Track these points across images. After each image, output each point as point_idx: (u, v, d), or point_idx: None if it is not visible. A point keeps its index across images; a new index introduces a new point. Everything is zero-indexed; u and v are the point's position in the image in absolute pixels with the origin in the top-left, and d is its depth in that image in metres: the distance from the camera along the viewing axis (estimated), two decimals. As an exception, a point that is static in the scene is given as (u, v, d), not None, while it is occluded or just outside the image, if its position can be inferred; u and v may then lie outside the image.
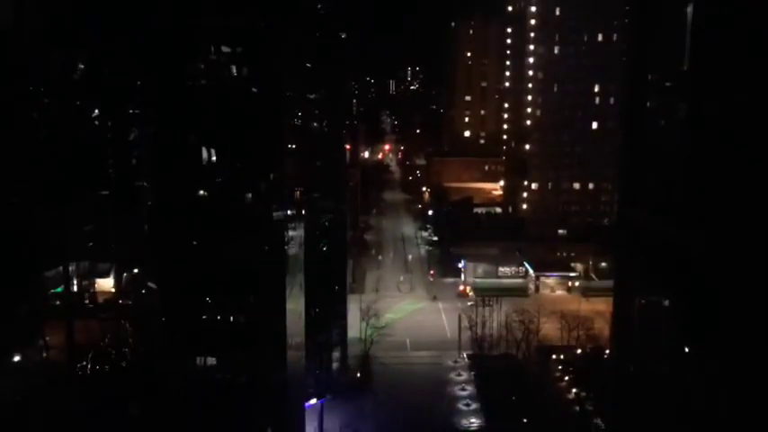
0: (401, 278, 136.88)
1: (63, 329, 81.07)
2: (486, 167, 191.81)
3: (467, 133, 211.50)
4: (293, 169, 73.73)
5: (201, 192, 63.40)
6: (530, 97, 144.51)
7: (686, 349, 50.23)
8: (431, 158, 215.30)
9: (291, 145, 74.10)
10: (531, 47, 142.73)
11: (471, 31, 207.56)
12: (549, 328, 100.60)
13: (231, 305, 63.69)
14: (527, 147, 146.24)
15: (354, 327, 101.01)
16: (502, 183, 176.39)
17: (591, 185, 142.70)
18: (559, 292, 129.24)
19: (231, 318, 64.09)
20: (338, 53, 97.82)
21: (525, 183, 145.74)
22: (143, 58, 68.74)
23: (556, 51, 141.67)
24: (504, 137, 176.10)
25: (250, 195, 63.32)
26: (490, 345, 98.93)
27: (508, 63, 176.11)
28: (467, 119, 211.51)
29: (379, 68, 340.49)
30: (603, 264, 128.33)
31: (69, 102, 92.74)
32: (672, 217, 51.91)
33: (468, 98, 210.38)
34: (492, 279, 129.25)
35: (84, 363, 79.21)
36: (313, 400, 78.34)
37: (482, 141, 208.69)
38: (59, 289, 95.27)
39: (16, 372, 76.66)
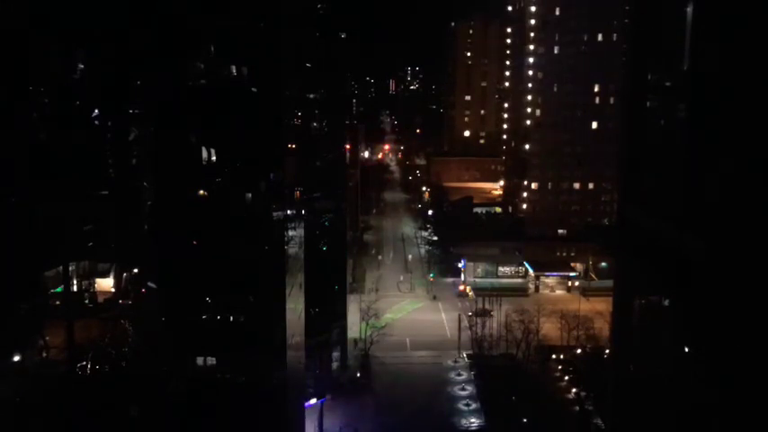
0: (401, 278, 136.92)
1: (63, 329, 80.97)
2: (486, 167, 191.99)
3: (467, 133, 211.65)
4: (293, 169, 73.71)
5: (201, 192, 63.39)
6: (529, 97, 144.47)
7: (686, 349, 50.24)
8: (431, 158, 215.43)
9: (291, 145, 74.10)
10: (531, 47, 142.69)
11: (471, 31, 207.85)
12: (549, 328, 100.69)
13: (231, 305, 63.67)
14: (527, 146, 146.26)
15: (354, 327, 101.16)
16: (502, 182, 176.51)
17: (591, 185, 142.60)
18: (559, 292, 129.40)
19: (231, 318, 64.07)
20: (338, 53, 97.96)
21: (525, 182, 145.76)
22: (143, 57, 68.69)
23: (556, 51, 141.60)
24: (504, 137, 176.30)
25: (250, 195, 63.29)
26: (490, 344, 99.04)
27: (508, 63, 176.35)
28: (467, 119, 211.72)
29: (379, 68, 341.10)
30: (603, 263, 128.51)
31: (69, 102, 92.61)
32: (672, 216, 51.92)
33: (468, 98, 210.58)
34: (492, 279, 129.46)
35: (84, 363, 79.15)
36: (313, 400, 78.41)
37: (482, 141, 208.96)
38: (59, 289, 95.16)
39: (16, 372, 76.57)
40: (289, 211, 67.77)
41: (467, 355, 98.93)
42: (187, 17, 60.80)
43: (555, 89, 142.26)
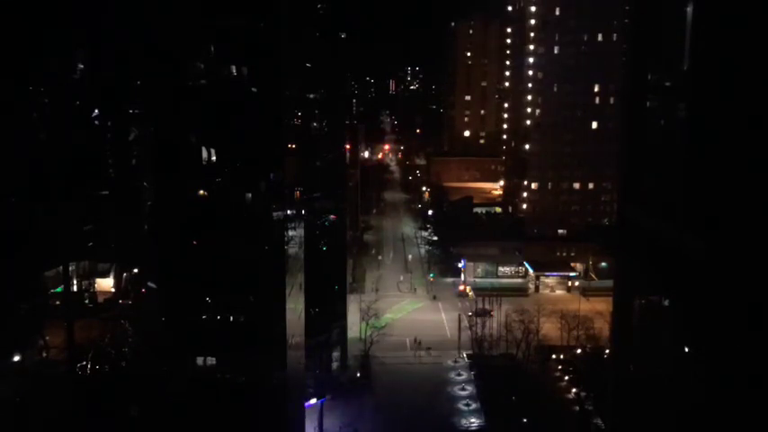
0: (401, 278, 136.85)
1: (63, 329, 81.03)
2: (486, 167, 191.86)
3: (467, 133, 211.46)
4: (293, 169, 73.73)
5: (201, 192, 63.38)
6: (529, 97, 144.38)
7: (686, 349, 50.25)
8: (431, 158, 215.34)
9: (291, 145, 74.13)
10: (531, 47, 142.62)
11: (471, 31, 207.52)
12: (549, 328, 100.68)
13: (231, 305, 63.66)
14: (527, 146, 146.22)
15: (354, 326, 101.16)
16: (502, 182, 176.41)
17: (591, 185, 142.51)
18: (559, 292, 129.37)
19: (231, 318, 64.07)
20: (338, 53, 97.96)
21: (525, 182, 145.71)
22: (143, 57, 68.72)
23: (555, 51, 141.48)
24: (504, 136, 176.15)
25: (250, 195, 63.29)
26: (490, 344, 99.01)
27: (508, 63, 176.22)
28: (466, 119, 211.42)
29: (379, 68, 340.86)
30: (603, 263, 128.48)
31: (69, 102, 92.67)
32: (672, 216, 51.94)
33: (467, 98, 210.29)
34: (492, 279, 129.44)
35: (84, 362, 79.18)
36: (313, 400, 78.37)
37: (482, 141, 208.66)
38: (59, 289, 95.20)
39: (16, 371, 76.61)
40: (289, 211, 67.77)
41: (467, 355, 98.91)
42: (187, 17, 60.79)
43: (555, 89, 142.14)
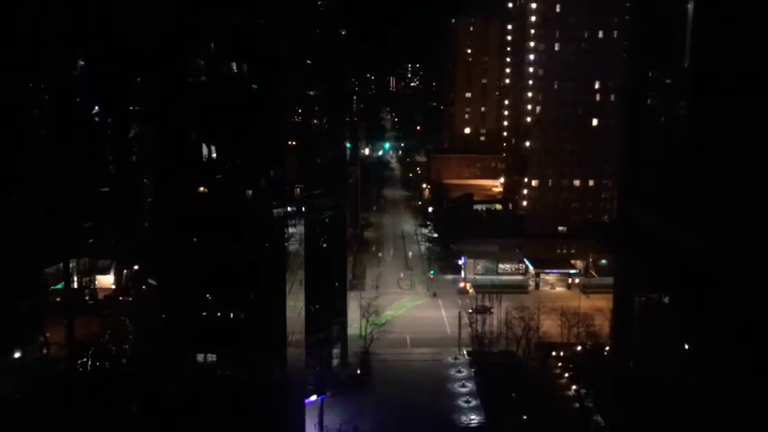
0: (401, 275, 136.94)
1: (63, 326, 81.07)
2: (487, 164, 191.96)
3: (467, 130, 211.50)
4: (293, 166, 73.70)
5: (201, 189, 63.33)
6: (530, 94, 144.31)
7: (685, 347, 50.29)
8: (431, 155, 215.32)
9: (291, 142, 74.05)
10: (532, 44, 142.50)
11: (471, 28, 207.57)
12: (549, 325, 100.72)
13: (231, 302, 63.64)
14: (527, 144, 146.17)
15: (354, 323, 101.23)
16: (502, 180, 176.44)
17: (591, 182, 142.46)
18: (559, 289, 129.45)
19: (231, 315, 64.06)
20: (339, 50, 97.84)
21: (525, 180, 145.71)
22: (143, 54, 68.64)
23: (556, 48, 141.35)
24: (505, 134, 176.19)
25: (250, 192, 63.23)
26: (490, 342, 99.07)
27: (508, 60, 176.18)
28: (467, 116, 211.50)
29: (380, 65, 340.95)
30: (603, 261, 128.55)
31: (69, 99, 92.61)
32: (672, 214, 51.95)
33: (468, 95, 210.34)
34: (492, 276, 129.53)
35: (85, 359, 79.24)
36: (313, 397, 78.47)
37: (482, 138, 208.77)
38: (59, 285, 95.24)
39: (17, 368, 76.67)
40: (289, 208, 67.74)
41: (467, 352, 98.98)
42: (187, 13, 60.71)
43: (555, 86, 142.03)
